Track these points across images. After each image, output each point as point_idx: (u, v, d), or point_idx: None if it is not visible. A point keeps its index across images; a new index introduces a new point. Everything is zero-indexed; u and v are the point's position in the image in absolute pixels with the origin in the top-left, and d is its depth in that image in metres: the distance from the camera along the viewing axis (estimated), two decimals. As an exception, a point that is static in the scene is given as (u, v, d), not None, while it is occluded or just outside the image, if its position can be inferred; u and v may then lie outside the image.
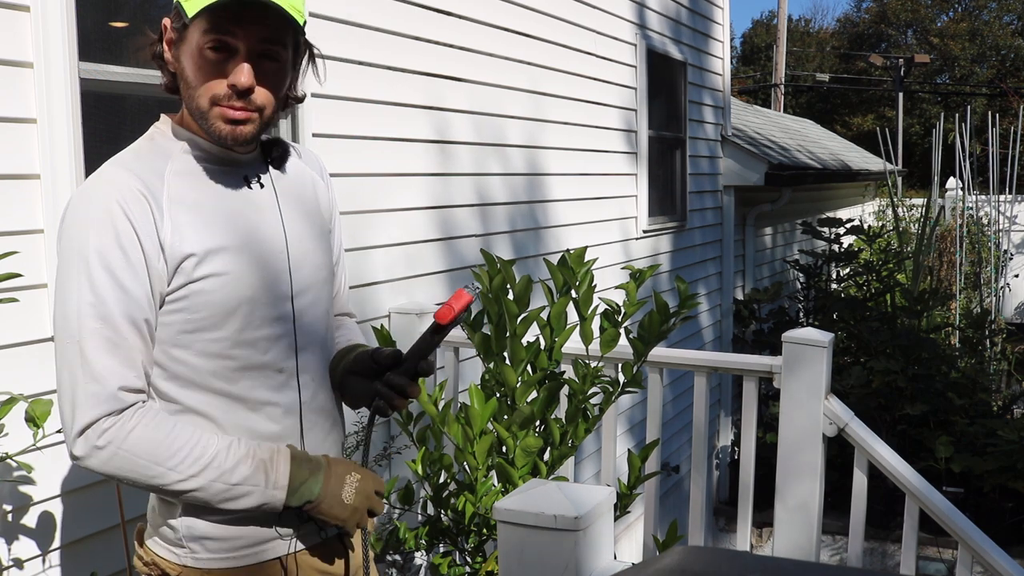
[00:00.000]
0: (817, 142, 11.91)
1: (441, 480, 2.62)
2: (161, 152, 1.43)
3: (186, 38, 1.38)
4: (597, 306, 2.58)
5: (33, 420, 1.91)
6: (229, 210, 1.44)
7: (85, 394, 1.31)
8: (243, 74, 1.36)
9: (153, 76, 2.37)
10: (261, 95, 1.39)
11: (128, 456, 1.32)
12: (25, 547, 2.15)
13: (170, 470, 1.33)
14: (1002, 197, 10.36)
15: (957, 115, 10.51)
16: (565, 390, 2.68)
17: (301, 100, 1.53)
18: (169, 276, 1.36)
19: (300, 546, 1.52)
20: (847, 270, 9.04)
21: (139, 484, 1.36)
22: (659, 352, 2.89)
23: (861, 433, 2.74)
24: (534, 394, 2.56)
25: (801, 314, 8.51)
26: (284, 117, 2.95)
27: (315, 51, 1.51)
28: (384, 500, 1.55)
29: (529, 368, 2.60)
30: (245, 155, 1.49)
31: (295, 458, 1.43)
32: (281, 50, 1.41)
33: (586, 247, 2.64)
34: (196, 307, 1.38)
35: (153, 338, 1.38)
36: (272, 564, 1.49)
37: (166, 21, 1.42)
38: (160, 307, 1.37)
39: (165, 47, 1.43)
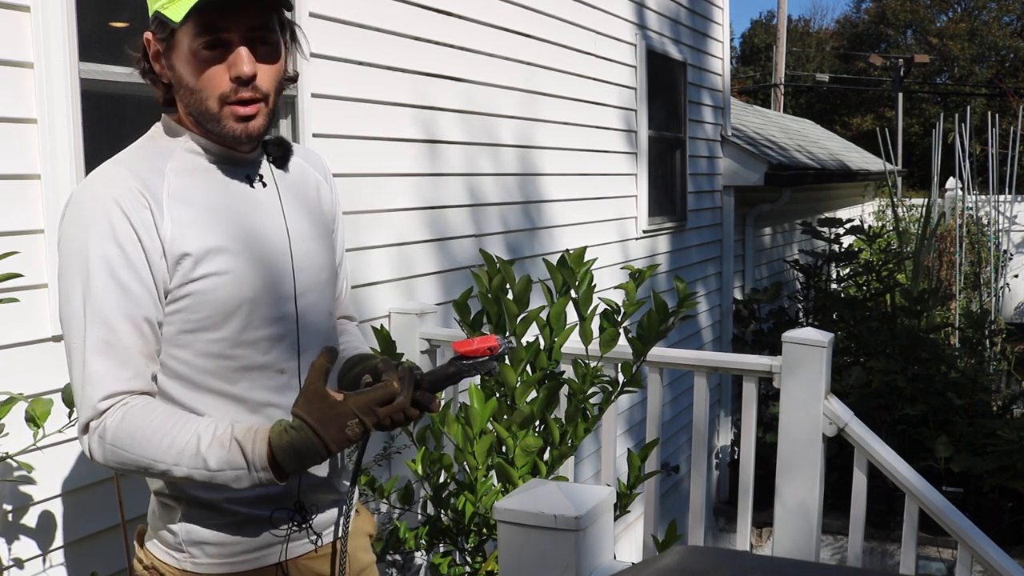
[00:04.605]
0: (817, 142, 11.91)
1: (441, 480, 2.62)
2: (162, 150, 1.42)
3: (176, 45, 1.37)
4: (596, 306, 2.58)
5: (33, 420, 1.91)
6: (231, 209, 1.43)
7: (84, 395, 1.34)
8: (244, 63, 1.36)
9: (153, 76, 2.37)
10: (264, 80, 1.39)
11: (116, 451, 1.32)
12: (25, 547, 2.15)
13: (155, 461, 1.32)
14: (1002, 197, 10.36)
15: (957, 115, 10.51)
16: (565, 390, 2.68)
17: (294, 79, 1.52)
18: (170, 274, 1.36)
19: (299, 551, 1.51)
20: (847, 270, 9.04)
21: (147, 475, 1.37)
22: (659, 352, 2.89)
23: (861, 433, 2.74)
24: (534, 394, 2.56)
25: (801, 314, 8.52)
26: (284, 117, 2.95)
27: (295, 27, 1.50)
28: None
29: (529, 368, 2.60)
30: (247, 153, 1.48)
31: (273, 431, 1.32)
32: (271, 32, 1.40)
33: (585, 247, 2.64)
34: (196, 307, 1.38)
35: (158, 334, 1.38)
36: (271, 570, 1.48)
37: (148, 36, 1.41)
38: (165, 304, 1.37)
39: (152, 60, 1.42)
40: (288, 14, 1.47)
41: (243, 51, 1.36)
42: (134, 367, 1.35)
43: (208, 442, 1.31)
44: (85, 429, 1.34)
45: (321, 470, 1.51)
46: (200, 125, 1.42)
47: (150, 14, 1.39)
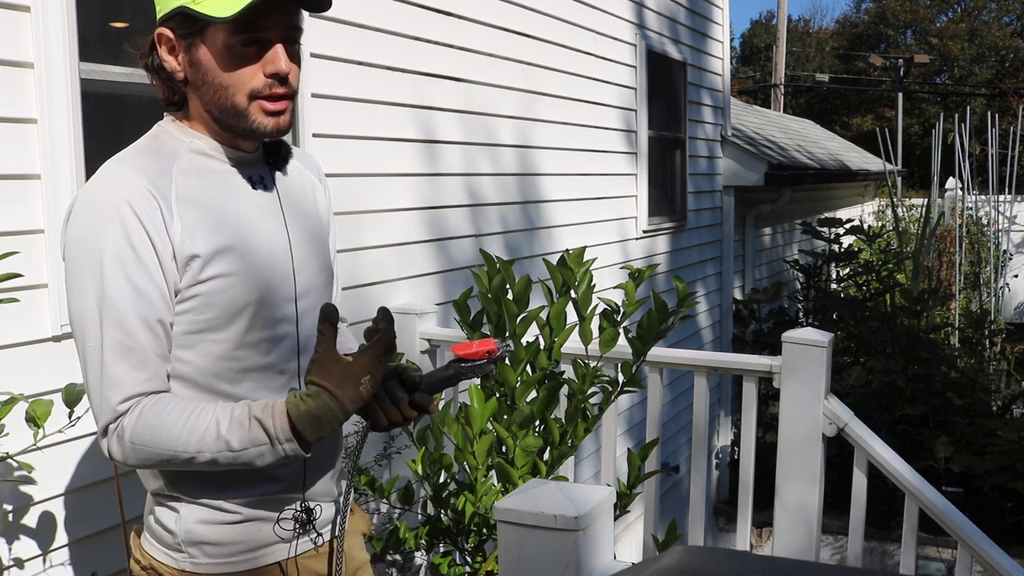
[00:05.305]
0: (817, 142, 11.92)
1: (441, 480, 2.62)
2: (167, 151, 1.42)
3: (205, 41, 1.37)
4: (596, 306, 2.58)
5: (33, 420, 1.91)
6: (236, 210, 1.43)
7: (102, 398, 1.33)
8: (282, 60, 1.38)
9: (153, 76, 2.37)
10: (293, 77, 1.42)
11: (137, 448, 1.33)
12: (26, 547, 2.15)
13: (178, 452, 1.32)
14: (1001, 197, 10.36)
15: (956, 115, 10.51)
16: (565, 390, 2.68)
17: None
18: (180, 275, 1.36)
19: (299, 550, 1.51)
20: (847, 270, 9.05)
21: (170, 467, 1.37)
22: (659, 352, 2.89)
23: (861, 433, 2.74)
24: (533, 394, 2.56)
25: (801, 314, 8.52)
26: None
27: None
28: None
29: (529, 368, 2.60)
30: (250, 154, 1.48)
31: (289, 401, 1.34)
32: (300, 33, 1.43)
33: (585, 247, 2.64)
34: (203, 308, 1.38)
35: (170, 335, 1.37)
36: (271, 569, 1.48)
37: (163, 31, 1.40)
38: (174, 304, 1.37)
39: (166, 56, 1.41)
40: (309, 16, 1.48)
41: (281, 49, 1.38)
42: (152, 368, 1.35)
43: (227, 424, 1.32)
44: (104, 432, 1.34)
45: (320, 471, 1.52)
46: (218, 122, 1.42)
47: (165, 10, 1.38)
